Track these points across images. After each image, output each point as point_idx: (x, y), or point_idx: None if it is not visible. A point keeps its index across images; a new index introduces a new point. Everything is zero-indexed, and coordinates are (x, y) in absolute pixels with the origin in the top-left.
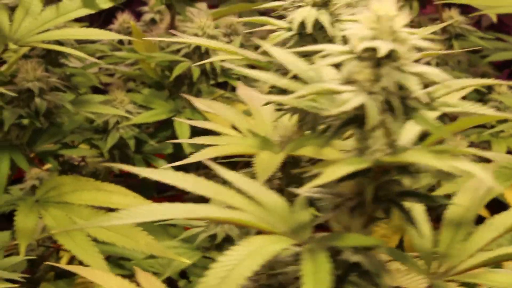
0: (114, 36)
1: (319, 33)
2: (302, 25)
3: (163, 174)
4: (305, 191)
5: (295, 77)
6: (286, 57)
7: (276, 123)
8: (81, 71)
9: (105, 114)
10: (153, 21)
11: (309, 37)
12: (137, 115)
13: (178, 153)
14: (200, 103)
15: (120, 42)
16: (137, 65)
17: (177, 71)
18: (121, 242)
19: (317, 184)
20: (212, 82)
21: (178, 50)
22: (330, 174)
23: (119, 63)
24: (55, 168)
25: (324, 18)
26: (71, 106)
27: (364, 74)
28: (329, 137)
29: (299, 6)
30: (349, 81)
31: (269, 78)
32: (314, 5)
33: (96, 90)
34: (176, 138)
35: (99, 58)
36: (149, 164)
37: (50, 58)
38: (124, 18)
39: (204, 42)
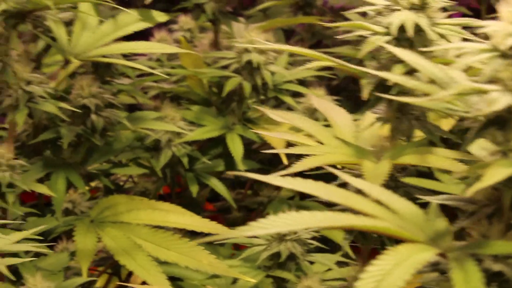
0: (176, 50)
1: (417, 37)
2: (401, 29)
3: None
4: (439, 199)
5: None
6: (414, 58)
7: (358, 133)
8: (129, 87)
9: (155, 132)
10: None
11: (406, 41)
12: (189, 132)
13: (230, 170)
14: (273, 113)
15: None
16: (183, 82)
17: (229, 86)
18: (184, 262)
19: (479, 188)
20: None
21: (227, 66)
22: (491, 177)
23: (160, 80)
24: (107, 187)
25: (423, 21)
26: (128, 123)
27: (509, 72)
28: (469, 140)
29: (395, 10)
30: (492, 80)
31: (401, 79)
32: (411, 8)
33: (131, 108)
34: (227, 155)
35: (143, 75)
36: (201, 182)
37: (98, 74)
38: (162, 35)
39: (297, 50)
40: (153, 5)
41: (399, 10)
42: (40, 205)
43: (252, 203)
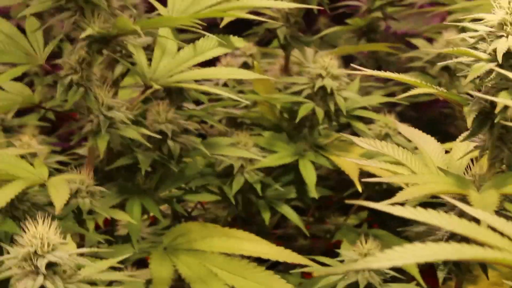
0: (258, 76)
1: None
2: (506, 55)
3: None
4: None
5: None
6: None
7: (448, 161)
8: (201, 113)
9: (228, 158)
10: (245, 65)
11: (510, 68)
12: (261, 158)
13: (301, 197)
14: (361, 141)
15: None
16: (253, 108)
17: (302, 112)
18: None
19: None
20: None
21: (300, 91)
22: None
23: (227, 106)
24: (176, 214)
25: None
26: (205, 148)
27: None
28: None
29: (500, 36)
30: None
31: None
32: None
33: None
34: (298, 181)
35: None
36: (273, 209)
37: (171, 99)
38: (228, 60)
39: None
40: (222, 31)
41: (504, 36)
42: (111, 232)
43: (318, 230)
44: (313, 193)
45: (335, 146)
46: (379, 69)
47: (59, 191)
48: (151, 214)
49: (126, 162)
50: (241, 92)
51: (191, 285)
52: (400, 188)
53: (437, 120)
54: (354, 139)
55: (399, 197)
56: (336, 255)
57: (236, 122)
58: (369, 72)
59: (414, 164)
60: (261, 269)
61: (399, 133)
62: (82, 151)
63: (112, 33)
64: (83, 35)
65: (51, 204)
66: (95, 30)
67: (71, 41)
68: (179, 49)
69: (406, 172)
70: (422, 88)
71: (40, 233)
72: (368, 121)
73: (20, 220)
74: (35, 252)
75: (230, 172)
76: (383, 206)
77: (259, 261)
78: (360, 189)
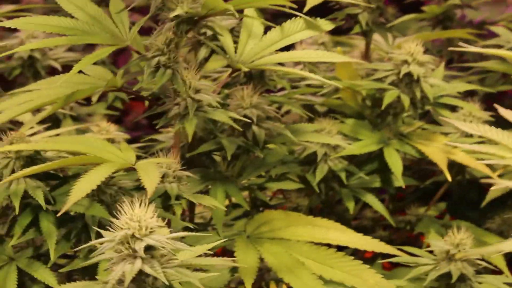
0: (346, 58)
1: None
2: None
3: None
4: None
5: None
6: None
7: None
8: (283, 99)
9: (310, 146)
10: None
11: None
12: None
13: (386, 186)
14: (465, 125)
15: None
16: (334, 94)
17: (387, 99)
18: (350, 281)
19: None
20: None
21: (384, 78)
22: None
23: (305, 93)
24: (256, 202)
25: None
26: (291, 134)
27: None
28: None
29: None
30: None
31: None
32: None
33: None
34: (382, 170)
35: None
36: (357, 199)
37: (253, 84)
38: (303, 47)
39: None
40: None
41: None
42: (191, 219)
43: (399, 221)
44: (400, 181)
45: (418, 135)
46: (454, 58)
47: (149, 174)
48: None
49: (210, 147)
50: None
51: (278, 274)
52: (485, 178)
53: None
54: (458, 123)
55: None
56: (418, 246)
57: (313, 110)
58: (472, 48)
59: None
60: (349, 259)
61: (484, 122)
62: (162, 137)
63: (201, 13)
64: (172, 14)
65: (138, 188)
66: (184, 10)
67: (156, 23)
68: (265, 31)
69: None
70: None
71: (137, 215)
72: (450, 109)
73: (108, 204)
74: (133, 235)
75: (313, 160)
76: None
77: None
78: (449, 178)
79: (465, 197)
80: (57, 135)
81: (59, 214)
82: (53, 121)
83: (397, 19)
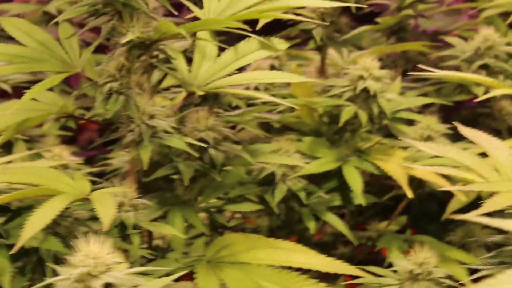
0: (303, 79)
1: None
2: None
3: None
4: None
5: None
6: None
7: None
8: (239, 119)
9: (267, 166)
10: (272, 67)
11: None
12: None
13: (346, 204)
14: (468, 132)
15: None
16: (290, 112)
17: (345, 116)
18: None
19: None
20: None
21: (340, 94)
22: None
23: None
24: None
25: None
26: (249, 156)
27: None
28: None
29: None
30: None
31: None
32: None
33: None
34: (343, 188)
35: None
36: (317, 218)
37: (208, 105)
38: (258, 63)
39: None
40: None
41: None
42: (149, 245)
43: (360, 237)
44: (360, 199)
45: (376, 150)
46: (410, 69)
47: (105, 206)
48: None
49: (166, 172)
50: (274, 96)
51: None
52: (445, 193)
53: (472, 120)
54: (417, 144)
55: (487, 207)
56: (380, 261)
57: (269, 128)
58: (438, 74)
59: (483, 170)
60: (312, 282)
61: (442, 135)
62: (117, 161)
63: (154, 38)
64: (124, 40)
65: (93, 218)
66: (135, 35)
67: (104, 48)
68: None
69: (473, 178)
70: (503, 89)
71: (93, 252)
72: (407, 122)
73: (63, 236)
74: (89, 273)
75: (271, 180)
76: (475, 217)
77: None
78: (410, 195)
79: (425, 210)
80: (9, 162)
81: (13, 251)
82: (4, 144)
83: (352, 31)
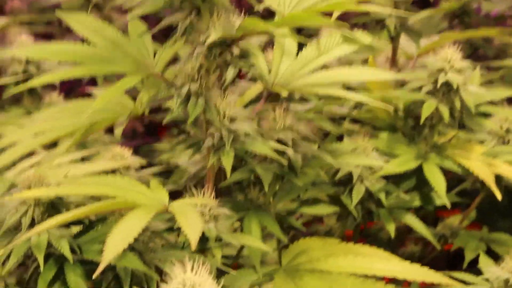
0: (393, 75)
1: None
2: None
3: None
4: None
5: None
6: None
7: None
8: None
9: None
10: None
11: None
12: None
13: (426, 204)
14: None
15: None
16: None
17: (426, 112)
18: None
19: None
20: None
21: (419, 87)
22: None
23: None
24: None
25: None
26: (330, 158)
27: None
28: None
29: None
30: None
31: None
32: None
33: None
34: (422, 187)
35: None
36: (396, 220)
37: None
38: None
39: None
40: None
41: None
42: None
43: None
44: (444, 200)
45: (453, 146)
46: (476, 55)
47: (190, 220)
48: None
49: (242, 176)
50: (349, 89)
51: None
52: None
53: None
54: None
55: None
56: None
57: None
58: None
59: None
60: None
61: None
62: (183, 162)
63: (237, 35)
64: (209, 40)
65: (169, 229)
66: (218, 35)
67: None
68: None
69: None
70: None
71: (190, 280)
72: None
73: (140, 252)
74: None
75: (347, 180)
76: None
77: None
78: (499, 196)
79: (495, 205)
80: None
81: (94, 276)
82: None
83: (417, 15)
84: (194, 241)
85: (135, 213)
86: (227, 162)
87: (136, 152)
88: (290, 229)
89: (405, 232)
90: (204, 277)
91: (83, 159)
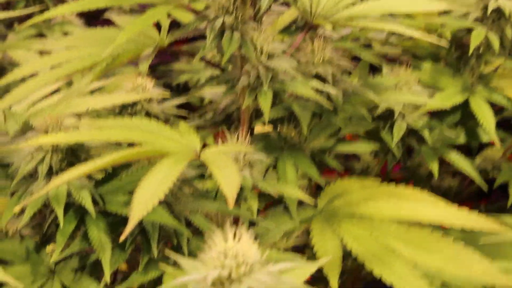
0: (443, 5)
1: None
2: None
3: None
4: None
5: None
6: None
7: None
8: (354, 45)
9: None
10: None
11: None
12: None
13: (472, 140)
14: None
15: None
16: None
17: (474, 41)
18: (451, 268)
19: None
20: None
21: (465, 15)
22: None
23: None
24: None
25: None
26: (373, 94)
27: None
28: None
29: None
30: None
31: None
32: None
33: None
34: (467, 122)
35: None
36: (444, 162)
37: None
38: None
39: None
40: None
41: None
42: None
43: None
44: (492, 136)
45: (499, 76)
46: None
47: (226, 173)
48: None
49: (278, 115)
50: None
51: (366, 264)
52: None
53: None
54: None
55: None
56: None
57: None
58: None
59: None
60: (448, 241)
61: None
62: (209, 94)
63: None
64: None
65: (200, 176)
66: None
67: None
68: None
69: None
70: None
71: (233, 249)
72: None
73: (169, 203)
74: (229, 276)
75: (388, 115)
76: None
77: None
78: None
79: None
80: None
81: (122, 238)
82: None
83: None
84: (231, 199)
85: (165, 163)
86: (265, 104)
87: (153, 71)
88: (323, 167)
89: (441, 165)
90: (247, 245)
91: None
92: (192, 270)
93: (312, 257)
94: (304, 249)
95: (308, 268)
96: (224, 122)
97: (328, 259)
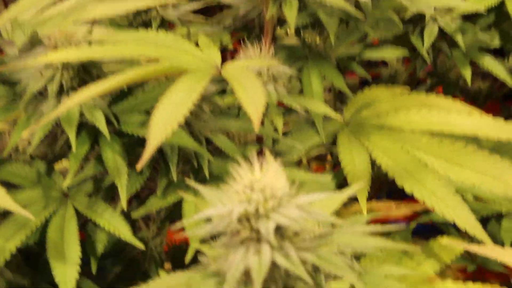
0: None
1: None
2: None
3: None
4: None
5: None
6: None
7: None
8: None
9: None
10: None
11: None
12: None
13: (507, 45)
14: None
15: None
16: None
17: None
18: (485, 183)
19: None
20: None
21: None
22: None
23: None
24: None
25: None
26: None
27: None
28: None
29: None
30: None
31: None
32: None
33: None
34: (501, 24)
35: None
36: (472, 63)
37: None
38: None
39: None
40: None
41: None
42: None
43: None
44: None
45: None
46: None
47: (250, 92)
48: None
49: (302, 21)
50: None
51: (397, 180)
52: None
53: None
54: None
55: None
56: None
57: None
58: None
59: None
60: (483, 154)
61: None
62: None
63: None
64: None
65: (221, 92)
66: None
67: None
68: None
69: None
70: None
71: (260, 182)
72: None
73: (188, 123)
74: (257, 212)
75: (418, 19)
76: None
77: None
78: None
79: None
80: None
81: (139, 166)
82: None
83: None
84: (257, 120)
85: (185, 81)
86: (291, 14)
87: None
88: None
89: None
90: (275, 177)
91: None
92: (215, 202)
93: (334, 167)
94: (325, 157)
95: (338, 198)
96: (244, 29)
97: (360, 186)
